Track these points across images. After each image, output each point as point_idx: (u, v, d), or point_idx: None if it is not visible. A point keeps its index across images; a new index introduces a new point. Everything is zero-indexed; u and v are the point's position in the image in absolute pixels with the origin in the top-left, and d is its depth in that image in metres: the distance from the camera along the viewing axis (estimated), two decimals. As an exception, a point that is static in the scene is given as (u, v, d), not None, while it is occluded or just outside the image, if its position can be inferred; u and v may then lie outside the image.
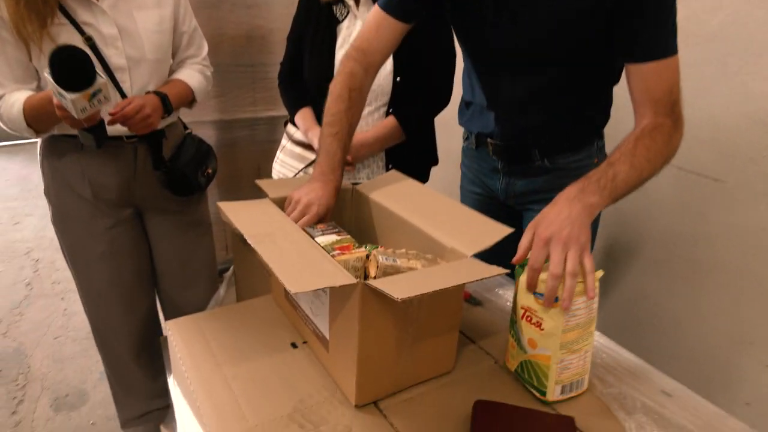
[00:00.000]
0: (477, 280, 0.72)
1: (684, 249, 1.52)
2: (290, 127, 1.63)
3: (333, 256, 0.83)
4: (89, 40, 1.22)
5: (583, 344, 0.84)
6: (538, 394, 0.86)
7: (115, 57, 1.28)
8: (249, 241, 0.84)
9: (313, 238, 0.89)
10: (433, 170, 1.72)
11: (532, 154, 1.25)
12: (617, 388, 0.89)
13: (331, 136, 1.09)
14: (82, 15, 1.21)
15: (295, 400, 0.84)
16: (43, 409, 1.88)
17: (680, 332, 1.57)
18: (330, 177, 1.06)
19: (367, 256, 0.85)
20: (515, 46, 1.10)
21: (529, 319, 0.84)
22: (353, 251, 0.85)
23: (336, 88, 1.14)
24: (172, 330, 1.02)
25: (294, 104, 1.56)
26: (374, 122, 1.53)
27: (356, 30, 1.47)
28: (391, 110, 1.52)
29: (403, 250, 0.86)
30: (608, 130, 1.32)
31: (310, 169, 1.56)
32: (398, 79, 1.48)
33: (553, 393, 0.84)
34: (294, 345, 0.98)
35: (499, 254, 0.90)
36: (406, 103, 1.52)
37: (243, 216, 0.95)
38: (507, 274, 0.94)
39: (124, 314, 1.48)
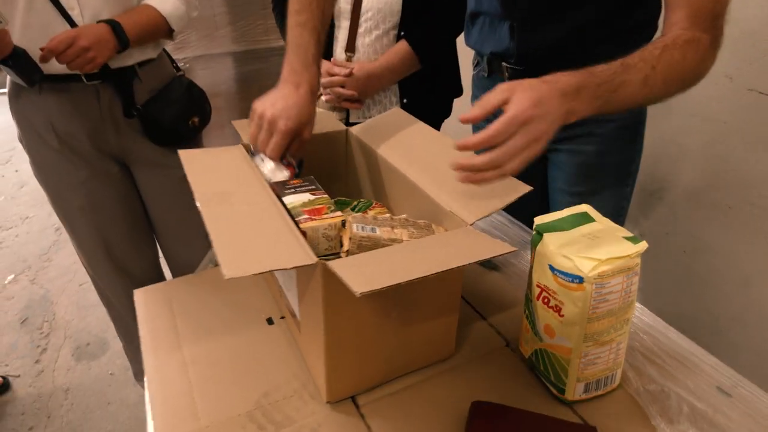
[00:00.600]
0: (468, 264, 0.54)
1: (759, 192, 1.27)
2: None
3: (299, 222, 0.67)
4: None
5: (616, 334, 0.65)
6: (555, 391, 0.69)
7: None
8: (197, 203, 0.68)
9: (281, 198, 0.72)
10: (458, 103, 1.50)
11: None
12: (659, 384, 0.70)
13: (300, 26, 0.86)
14: None
15: (259, 392, 0.71)
16: (64, 359, 1.88)
17: (749, 293, 1.34)
18: (303, 77, 0.83)
19: (344, 223, 0.68)
20: None
21: (546, 301, 0.66)
22: (325, 216, 0.68)
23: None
24: (139, 301, 0.91)
25: None
26: (383, 49, 1.31)
27: None
28: (402, 33, 1.29)
29: (388, 216, 0.69)
30: (724, 54, 1.07)
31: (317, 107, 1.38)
32: None
33: (574, 392, 0.67)
34: (270, 321, 0.84)
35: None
36: (419, 24, 1.29)
37: (201, 169, 0.79)
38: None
39: (116, 272, 1.38)
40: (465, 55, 1.46)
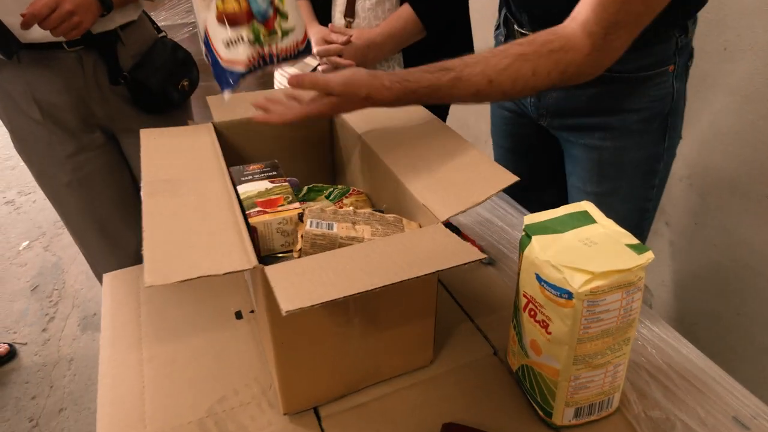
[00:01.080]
0: (427, 274, 0.45)
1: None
2: None
3: (250, 215, 0.59)
4: None
5: (613, 356, 0.56)
6: (542, 414, 0.61)
7: None
8: (141, 192, 0.61)
9: (236, 186, 0.64)
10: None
11: None
12: (664, 410, 0.61)
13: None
14: None
15: (215, 397, 0.65)
16: (70, 328, 1.89)
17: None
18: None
19: (301, 216, 0.59)
20: None
21: (532, 313, 0.57)
22: (281, 208, 0.60)
23: None
24: (106, 286, 0.85)
25: None
26: (385, 14, 1.19)
27: None
28: None
29: (351, 209, 0.60)
30: (704, 20, 0.92)
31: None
32: None
33: (562, 416, 0.59)
34: (239, 315, 0.78)
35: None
36: None
37: (159, 151, 0.72)
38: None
39: (109, 249, 1.34)
40: (479, 22, 1.33)
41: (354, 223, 0.57)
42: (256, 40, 0.68)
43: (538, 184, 1.11)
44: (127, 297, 0.82)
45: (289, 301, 0.42)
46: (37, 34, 1.04)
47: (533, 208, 0.93)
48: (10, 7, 1.02)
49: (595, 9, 0.65)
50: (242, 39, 0.68)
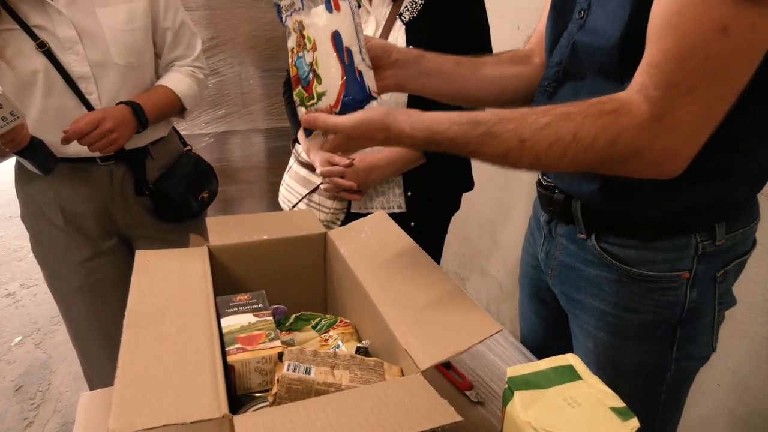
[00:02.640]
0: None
1: None
2: (298, 146, 1.40)
3: (229, 353, 0.58)
4: (43, 46, 1.06)
5: None
6: None
7: (75, 64, 1.10)
8: (124, 322, 0.61)
9: (221, 317, 0.64)
10: (468, 197, 1.42)
11: (574, 215, 0.78)
12: None
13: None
14: (34, 17, 1.05)
15: None
16: (48, 435, 1.80)
17: None
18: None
19: (281, 356, 0.59)
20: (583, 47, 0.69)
21: (515, 474, 0.54)
22: (260, 346, 0.59)
23: None
24: (82, 406, 0.82)
25: (297, 118, 1.32)
26: None
27: (369, 28, 1.21)
28: None
29: (332, 351, 0.59)
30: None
31: (315, 196, 1.32)
32: None
33: None
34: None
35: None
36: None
37: (149, 276, 0.72)
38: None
39: (108, 356, 1.32)
40: None
41: (333, 367, 0.56)
42: (302, 104, 0.72)
43: (549, 338, 1.01)
44: (101, 423, 0.79)
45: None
46: (74, 149, 1.11)
47: (539, 355, 0.83)
48: (52, 122, 1.09)
49: (648, 71, 0.57)
50: (297, 102, 0.73)
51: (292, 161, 1.42)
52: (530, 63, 0.89)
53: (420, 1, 1.17)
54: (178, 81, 1.27)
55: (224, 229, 0.88)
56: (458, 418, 0.46)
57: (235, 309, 0.66)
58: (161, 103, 1.22)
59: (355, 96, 0.66)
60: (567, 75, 0.74)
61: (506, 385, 0.57)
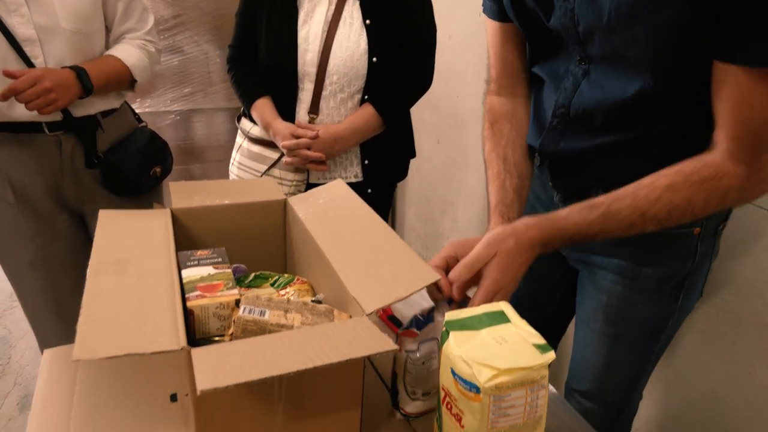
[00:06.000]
0: (337, 362, 0.49)
1: (724, 297, 1.20)
2: (245, 122, 1.41)
3: (188, 298, 0.62)
4: None
5: (523, 452, 0.58)
6: None
7: (20, 26, 1.09)
8: (88, 269, 0.64)
9: (181, 269, 0.68)
10: (434, 182, 1.49)
11: (591, 191, 0.81)
12: None
13: (495, 178, 0.88)
14: None
15: (134, 483, 0.64)
16: (8, 407, 1.80)
17: (716, 404, 1.25)
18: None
19: (238, 302, 0.63)
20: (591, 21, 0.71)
21: (449, 407, 0.60)
22: (219, 294, 0.64)
23: (483, 135, 0.94)
24: (44, 364, 0.85)
25: (249, 95, 1.34)
26: (347, 112, 1.30)
27: (321, 3, 1.25)
28: (367, 97, 1.29)
29: (285, 298, 0.64)
30: None
31: (276, 171, 1.36)
32: (375, 59, 1.25)
33: None
34: (174, 397, 0.78)
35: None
36: (384, 88, 1.29)
37: (113, 231, 0.76)
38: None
39: (63, 331, 1.32)
40: (417, 120, 1.47)
41: (286, 311, 0.61)
42: None
43: (545, 307, 1.10)
44: (64, 374, 0.82)
45: (206, 381, 0.45)
46: (19, 112, 1.10)
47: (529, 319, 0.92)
48: None
49: (733, 140, 0.66)
50: None
51: (240, 139, 1.43)
52: (520, 104, 0.93)
53: None
54: (128, 52, 1.27)
55: (186, 193, 0.92)
56: (395, 346, 0.52)
57: (196, 262, 0.70)
58: (108, 71, 1.21)
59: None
60: (576, 116, 0.80)
61: (444, 328, 0.63)
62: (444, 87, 2.06)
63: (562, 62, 0.80)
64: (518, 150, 0.90)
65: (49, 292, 1.28)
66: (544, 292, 1.08)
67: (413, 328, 0.70)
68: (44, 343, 1.37)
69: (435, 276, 0.65)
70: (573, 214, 0.70)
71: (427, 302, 1.03)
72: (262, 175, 1.36)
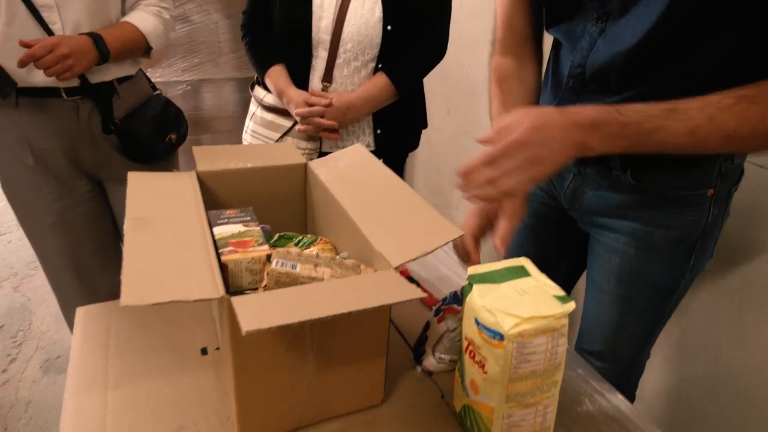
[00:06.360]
0: (371, 307, 0.52)
1: (731, 259, 1.23)
2: (258, 90, 1.42)
3: (222, 253, 0.65)
4: None
5: (542, 396, 0.62)
6: (479, 452, 0.65)
7: None
8: (124, 226, 0.67)
9: (212, 227, 0.71)
10: (443, 153, 1.50)
11: (608, 157, 0.83)
12: (591, 453, 0.66)
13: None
14: None
15: (174, 427, 0.68)
16: (32, 370, 1.86)
17: (721, 362, 1.29)
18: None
19: (269, 257, 0.66)
20: None
21: (472, 355, 0.63)
22: (251, 249, 0.66)
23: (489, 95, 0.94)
24: (78, 321, 0.89)
25: (262, 62, 1.35)
26: (360, 81, 1.31)
27: None
28: (380, 66, 1.30)
29: (314, 252, 0.67)
30: None
31: (289, 139, 1.37)
32: (389, 27, 1.25)
33: (497, 455, 0.64)
34: (204, 351, 0.82)
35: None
36: (397, 57, 1.30)
37: (143, 192, 0.78)
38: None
39: (83, 292, 1.37)
40: (427, 90, 1.48)
41: (316, 265, 0.64)
42: None
43: (548, 267, 1.12)
44: (98, 331, 0.86)
45: (249, 323, 0.48)
46: (38, 78, 1.12)
47: None
48: (14, 51, 1.10)
49: None
50: None
51: (254, 107, 1.45)
52: (526, 66, 0.94)
53: None
54: (143, 19, 1.28)
55: (210, 157, 0.94)
56: (423, 294, 0.55)
57: (226, 220, 0.73)
58: (124, 38, 1.23)
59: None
60: (592, 75, 0.80)
61: (467, 282, 0.65)
62: (455, 56, 2.06)
63: (578, 23, 0.81)
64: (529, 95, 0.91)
65: (70, 254, 1.32)
66: (553, 255, 1.10)
67: (454, 305, 0.73)
68: (65, 304, 1.42)
69: (458, 231, 0.68)
70: (629, 106, 0.63)
71: (444, 266, 1.06)
72: (276, 142, 1.38)
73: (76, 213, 1.30)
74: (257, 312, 0.51)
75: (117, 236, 1.43)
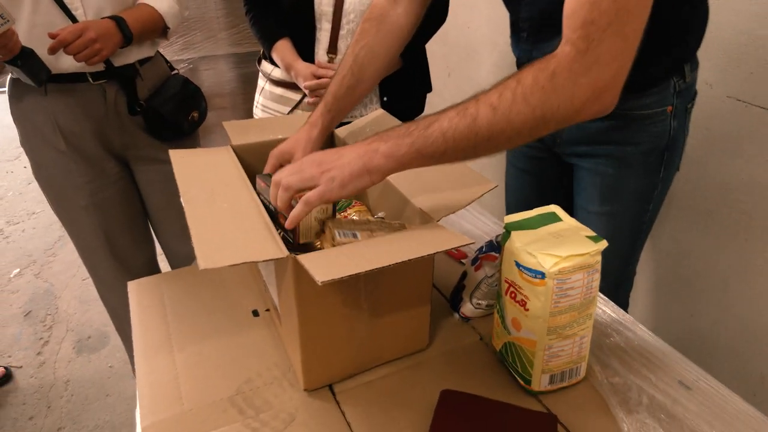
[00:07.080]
0: (426, 255, 0.57)
1: (737, 197, 1.29)
2: (266, 65, 1.44)
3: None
4: None
5: (579, 328, 0.68)
6: (522, 382, 0.72)
7: None
8: (182, 201, 0.72)
9: (261, 195, 0.76)
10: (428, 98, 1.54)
11: None
12: (622, 377, 0.73)
13: (339, 71, 0.94)
14: None
15: (241, 380, 0.74)
16: (65, 351, 1.93)
17: (728, 295, 1.37)
18: (316, 121, 0.92)
19: (334, 207, 0.72)
20: None
21: (513, 295, 0.69)
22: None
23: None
24: (132, 293, 0.95)
25: (269, 36, 1.37)
26: None
27: None
28: None
29: (367, 219, 0.72)
30: (704, 62, 1.04)
31: (299, 112, 1.41)
32: None
33: (540, 383, 0.70)
34: (255, 313, 0.88)
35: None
36: None
37: (189, 168, 0.83)
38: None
39: (117, 269, 1.42)
40: (432, 55, 1.50)
41: (371, 231, 0.69)
42: None
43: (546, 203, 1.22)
44: (153, 300, 0.91)
45: (321, 275, 0.53)
46: (66, 64, 1.15)
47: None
48: (41, 37, 1.12)
49: (566, 22, 0.62)
50: None
51: (262, 82, 1.47)
52: (398, 13, 0.95)
53: None
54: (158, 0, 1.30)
55: (242, 130, 0.98)
56: (471, 241, 0.60)
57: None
58: (144, 19, 1.25)
59: None
60: (543, 24, 0.87)
61: (504, 230, 0.71)
62: (454, 17, 2.07)
63: None
64: (371, 55, 0.92)
65: (103, 234, 1.37)
66: (547, 191, 1.22)
67: (492, 252, 0.78)
68: (99, 281, 1.47)
69: (491, 184, 0.73)
70: (406, 124, 0.68)
71: (466, 222, 1.11)
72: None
73: (107, 194, 1.35)
74: (324, 266, 0.57)
75: (145, 214, 1.48)
